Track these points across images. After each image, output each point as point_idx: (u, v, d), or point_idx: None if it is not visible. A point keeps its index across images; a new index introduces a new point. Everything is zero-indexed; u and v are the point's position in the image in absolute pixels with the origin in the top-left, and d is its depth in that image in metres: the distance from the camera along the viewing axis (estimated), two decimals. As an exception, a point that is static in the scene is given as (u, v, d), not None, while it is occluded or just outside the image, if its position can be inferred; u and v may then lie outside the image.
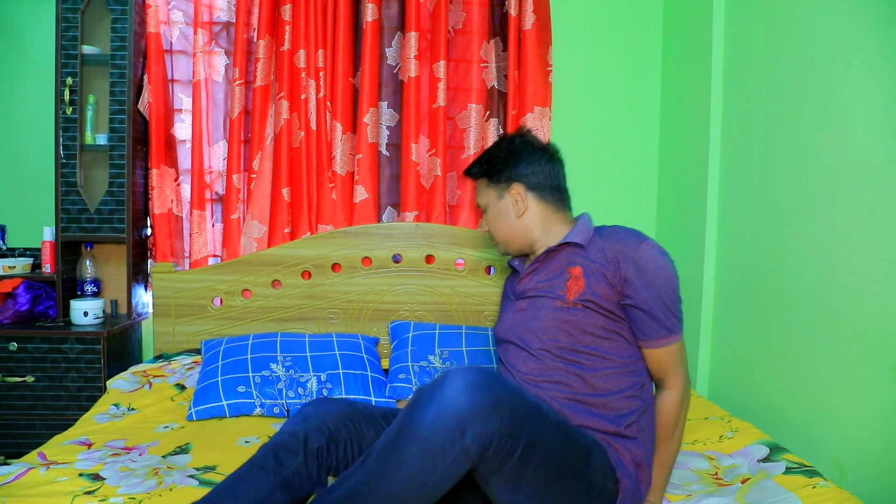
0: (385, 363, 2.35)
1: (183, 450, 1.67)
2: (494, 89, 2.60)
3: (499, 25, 2.62)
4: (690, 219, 2.39)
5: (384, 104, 2.60)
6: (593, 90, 2.70)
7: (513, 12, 2.53)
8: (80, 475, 1.47)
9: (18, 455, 2.18)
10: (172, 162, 2.64)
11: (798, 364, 1.81)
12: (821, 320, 1.71)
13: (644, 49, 2.71)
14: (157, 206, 2.58)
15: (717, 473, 1.56)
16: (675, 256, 2.48)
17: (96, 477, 1.47)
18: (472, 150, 2.59)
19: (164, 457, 1.62)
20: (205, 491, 1.41)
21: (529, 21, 2.53)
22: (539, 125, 2.58)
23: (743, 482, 1.48)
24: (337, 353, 2.17)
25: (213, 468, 1.55)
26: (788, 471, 1.49)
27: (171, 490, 1.42)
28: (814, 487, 1.39)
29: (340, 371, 2.08)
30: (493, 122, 2.60)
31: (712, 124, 2.24)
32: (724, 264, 2.21)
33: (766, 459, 1.58)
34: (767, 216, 1.97)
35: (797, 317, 1.82)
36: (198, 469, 1.54)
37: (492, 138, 2.60)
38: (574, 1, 2.67)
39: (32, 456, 1.61)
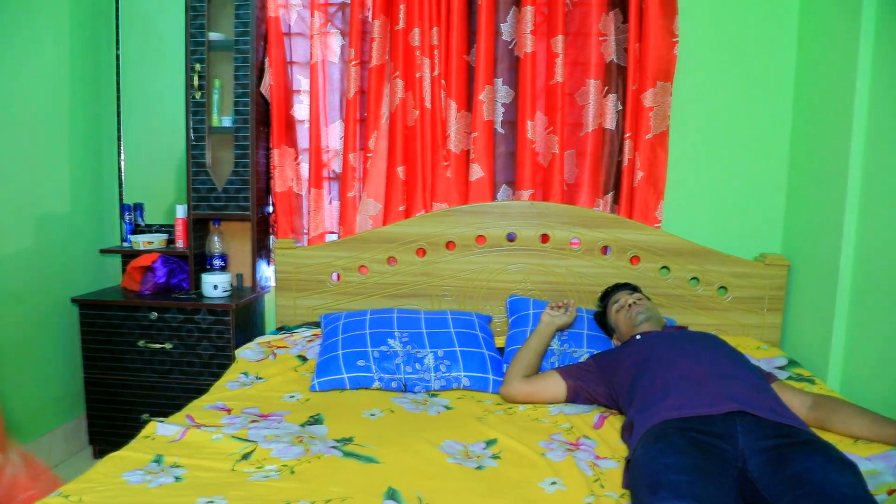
0: (499, 341, 2.35)
1: (316, 420, 1.75)
2: (613, 63, 2.49)
3: (618, -4, 2.50)
4: (826, 206, 2.20)
5: (499, 81, 2.56)
6: (719, 63, 2.52)
7: (634, -19, 2.41)
8: (233, 438, 1.58)
9: (162, 414, 2.37)
10: (292, 142, 2.73)
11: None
12: None
13: (779, 16, 2.48)
14: (278, 185, 2.69)
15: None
16: (806, 244, 2.34)
17: (247, 441, 1.56)
18: (590, 128, 2.51)
19: (301, 426, 1.70)
20: (350, 462, 1.47)
21: (653, -11, 2.41)
22: (661, 101, 2.46)
23: (889, 493, 1.36)
24: (452, 330, 2.19)
25: (350, 440, 1.61)
26: (941, 482, 1.36)
27: (318, 458, 1.50)
28: (979, 500, 1.27)
29: (457, 348, 2.10)
30: (612, 97, 2.49)
31: (857, 101, 2.02)
32: (864, 254, 2.02)
33: (911, 467, 1.46)
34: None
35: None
36: (337, 441, 1.61)
37: (610, 115, 2.50)
38: (700, -34, 2.50)
39: (181, 417, 1.73)
